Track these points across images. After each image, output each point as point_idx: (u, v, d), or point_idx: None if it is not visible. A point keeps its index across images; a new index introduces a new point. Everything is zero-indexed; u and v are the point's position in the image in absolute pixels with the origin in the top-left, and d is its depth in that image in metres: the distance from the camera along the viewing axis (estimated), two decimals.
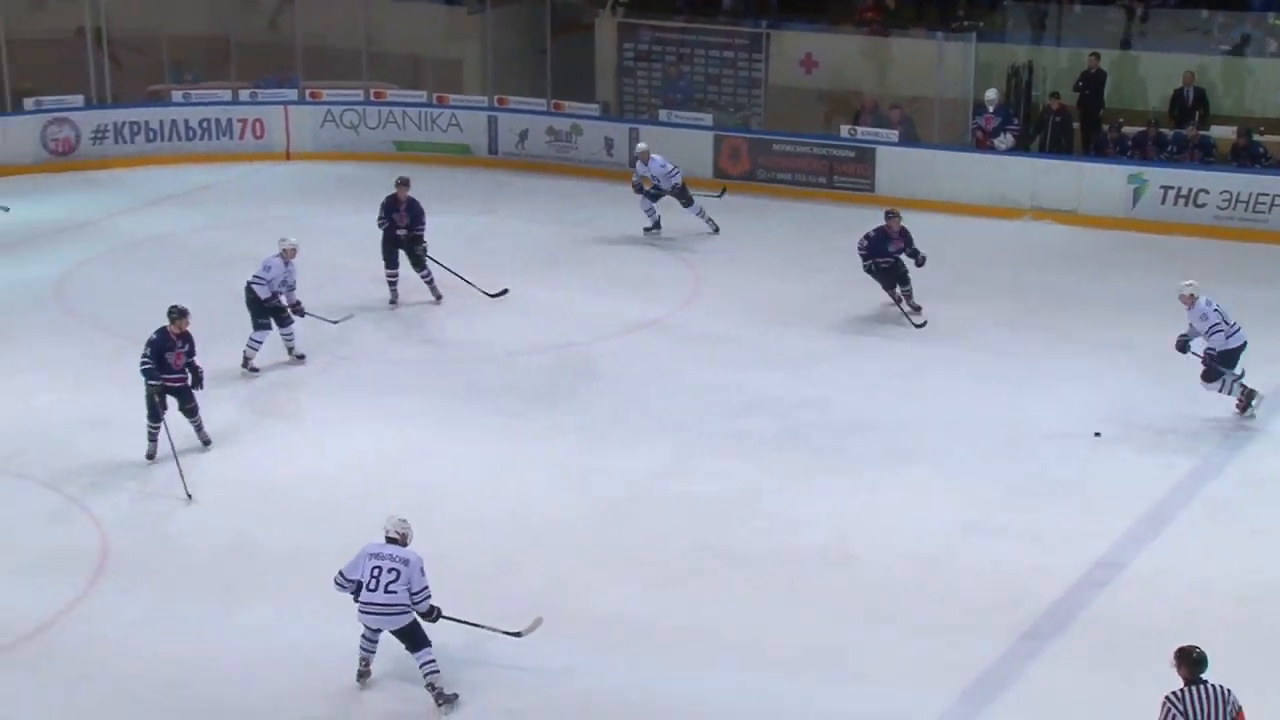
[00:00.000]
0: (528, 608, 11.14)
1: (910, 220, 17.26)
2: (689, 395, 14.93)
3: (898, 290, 16.84)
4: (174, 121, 23.77)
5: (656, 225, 19.95)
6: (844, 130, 22.16)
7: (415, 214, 17.45)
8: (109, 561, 11.87)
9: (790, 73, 23.42)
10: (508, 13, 24.69)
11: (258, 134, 24.07)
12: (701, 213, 19.91)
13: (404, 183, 17.56)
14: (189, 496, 12.82)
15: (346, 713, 10.22)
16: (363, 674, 10.44)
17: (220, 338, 15.27)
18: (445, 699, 10.21)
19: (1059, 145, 21.55)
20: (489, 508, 12.91)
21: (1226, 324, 14.19)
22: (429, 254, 17.44)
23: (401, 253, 17.51)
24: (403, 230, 17.39)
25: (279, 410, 14.94)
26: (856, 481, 13.35)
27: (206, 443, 13.73)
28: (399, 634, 10.23)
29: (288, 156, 24.09)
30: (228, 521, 12.55)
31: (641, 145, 19.99)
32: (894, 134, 21.78)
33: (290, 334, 15.66)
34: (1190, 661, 8.58)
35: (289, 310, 15.57)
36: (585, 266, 19.16)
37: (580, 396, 15.13)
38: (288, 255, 15.46)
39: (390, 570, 10.14)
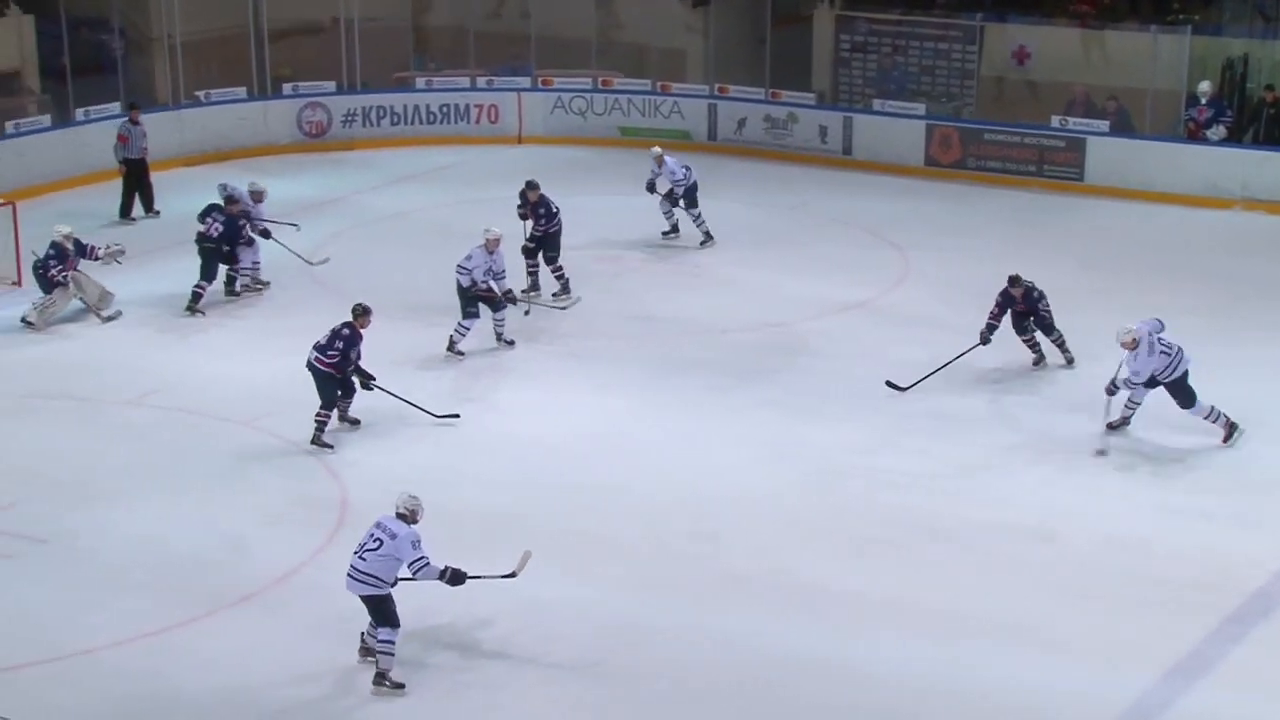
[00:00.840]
0: (729, 575, 11.00)
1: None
2: (897, 374, 14.59)
3: (1036, 338, 14.92)
4: (416, 106, 24.11)
5: (674, 230, 18.71)
6: (1055, 120, 21.50)
7: (548, 213, 17.07)
8: (348, 514, 12.04)
9: (1002, 64, 22.83)
10: (730, 5, 24.51)
11: (492, 119, 24.28)
12: (700, 220, 18.74)
13: (533, 186, 17.29)
14: (441, 416, 13.25)
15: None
16: (365, 651, 10.06)
17: (453, 311, 15.39)
18: (391, 683, 9.81)
19: (1272, 137, 20.58)
20: (696, 477, 12.79)
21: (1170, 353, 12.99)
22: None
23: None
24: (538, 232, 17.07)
25: (494, 380, 14.99)
26: (1064, 463, 12.90)
27: (354, 422, 13.56)
28: (368, 605, 9.88)
29: (519, 140, 24.26)
30: (450, 483, 12.59)
31: (656, 149, 19.09)
32: (1104, 124, 21.07)
33: (501, 320, 15.41)
34: None
35: (501, 298, 15.32)
36: (796, 248, 18.91)
37: (788, 372, 14.91)
38: (491, 245, 15.21)
39: (375, 539, 9.83)
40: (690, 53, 25.09)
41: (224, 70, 23.70)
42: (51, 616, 10.50)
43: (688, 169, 18.81)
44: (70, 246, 16.37)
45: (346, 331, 13.34)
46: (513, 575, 10.26)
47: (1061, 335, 14.83)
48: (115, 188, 19.88)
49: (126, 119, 20.26)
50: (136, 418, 13.78)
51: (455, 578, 9.99)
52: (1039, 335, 14.82)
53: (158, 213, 20.12)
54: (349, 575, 9.88)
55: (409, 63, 24.99)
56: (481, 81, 24.41)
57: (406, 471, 12.63)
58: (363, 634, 10.09)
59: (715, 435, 13.56)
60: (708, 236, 18.70)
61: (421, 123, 24.12)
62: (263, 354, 15.34)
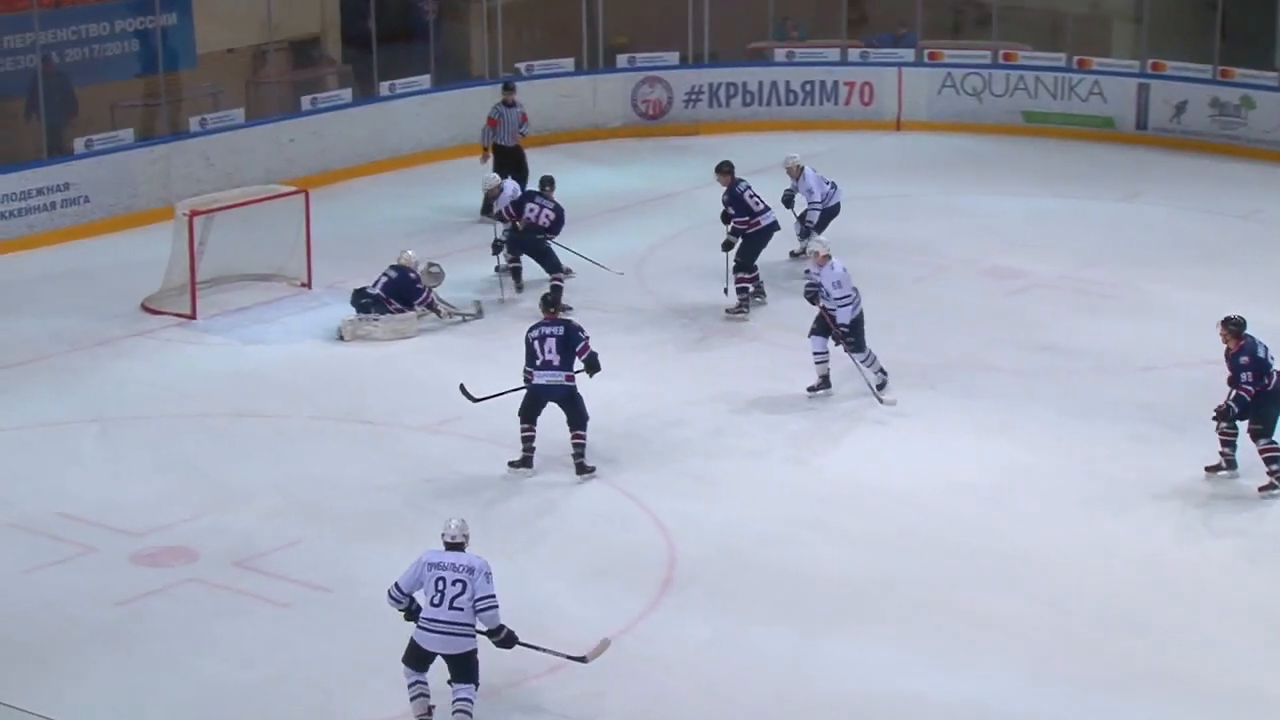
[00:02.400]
0: (1159, 674, 10.60)
1: None
2: None
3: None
4: (774, 83, 24.25)
5: (804, 251, 17.74)
6: None
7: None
8: (676, 574, 12.11)
9: None
10: None
11: (865, 99, 24.22)
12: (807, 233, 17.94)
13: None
14: None
15: None
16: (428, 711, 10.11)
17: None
18: None
19: None
20: (1111, 547, 12.44)
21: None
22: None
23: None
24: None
25: (860, 416, 14.87)
26: None
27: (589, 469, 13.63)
28: (453, 660, 9.92)
29: (898, 126, 24.13)
30: (797, 540, 12.55)
31: (792, 157, 18.37)
32: None
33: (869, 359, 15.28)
34: None
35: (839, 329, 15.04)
36: (1249, 268, 18.19)
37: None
38: (820, 261, 14.96)
39: (455, 582, 9.90)
40: (1116, 20, 24.50)
41: (549, 38, 24.35)
42: (334, 680, 10.83)
43: (833, 186, 18.23)
44: (414, 276, 16.72)
45: (561, 331, 13.56)
46: (583, 660, 10.37)
47: None
48: (422, 176, 20.55)
49: (499, 101, 20.59)
50: (435, 446, 14.18)
51: (508, 639, 10.14)
52: None
53: None
54: (436, 633, 9.95)
55: (767, 30, 25.16)
56: (855, 54, 24.40)
57: (745, 525, 12.68)
58: (418, 699, 10.11)
59: (1137, 498, 13.14)
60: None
61: (779, 103, 24.27)
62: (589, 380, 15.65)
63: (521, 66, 23.61)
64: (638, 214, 20.10)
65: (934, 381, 15.30)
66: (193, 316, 17.04)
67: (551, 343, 13.50)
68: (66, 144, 19.94)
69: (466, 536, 10.21)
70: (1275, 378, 13.15)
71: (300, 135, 21.67)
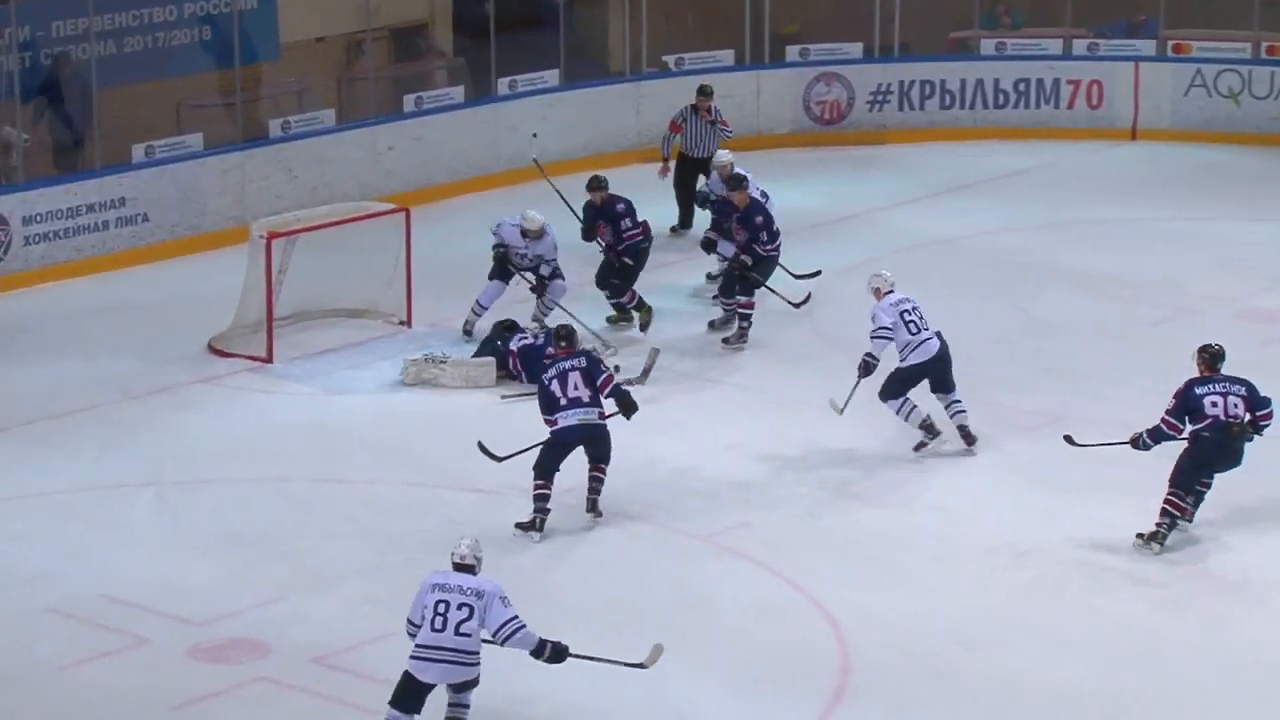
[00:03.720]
0: None
1: None
2: None
3: None
4: (978, 81, 24.21)
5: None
6: None
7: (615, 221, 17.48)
8: (850, 682, 12.09)
9: None
10: None
11: (1093, 102, 24.12)
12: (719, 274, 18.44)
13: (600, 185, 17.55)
14: None
15: None
16: None
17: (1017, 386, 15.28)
18: None
19: None
20: None
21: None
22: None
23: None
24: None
25: (1083, 492, 14.77)
26: None
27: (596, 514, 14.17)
28: (456, 688, 10.70)
29: (1133, 135, 24.02)
30: (1004, 640, 12.46)
31: (723, 156, 18.76)
32: None
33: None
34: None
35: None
36: None
37: None
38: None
39: (461, 606, 10.56)
40: None
41: (703, 26, 24.46)
42: None
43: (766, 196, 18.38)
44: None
45: (584, 363, 14.02)
46: (642, 666, 11.10)
47: None
48: (548, 192, 20.65)
49: (689, 105, 20.65)
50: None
51: (557, 653, 10.84)
52: None
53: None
54: (436, 662, 10.59)
55: (972, 16, 25.10)
56: (1081, 46, 24.30)
57: (936, 619, 12.63)
58: None
59: None
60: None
61: (986, 106, 24.24)
62: (707, 435, 15.72)
63: (670, 60, 23.74)
64: (808, 240, 20.05)
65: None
66: (268, 360, 17.27)
67: (576, 377, 13.90)
68: (87, 159, 20.16)
69: (479, 559, 10.82)
70: None
71: (401, 142, 21.95)
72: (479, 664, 10.68)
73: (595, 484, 14.08)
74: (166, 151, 20.35)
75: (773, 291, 17.88)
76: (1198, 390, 13.59)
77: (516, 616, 10.69)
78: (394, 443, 15.76)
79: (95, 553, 13.71)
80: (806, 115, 24.13)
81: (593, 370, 13.99)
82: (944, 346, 15.07)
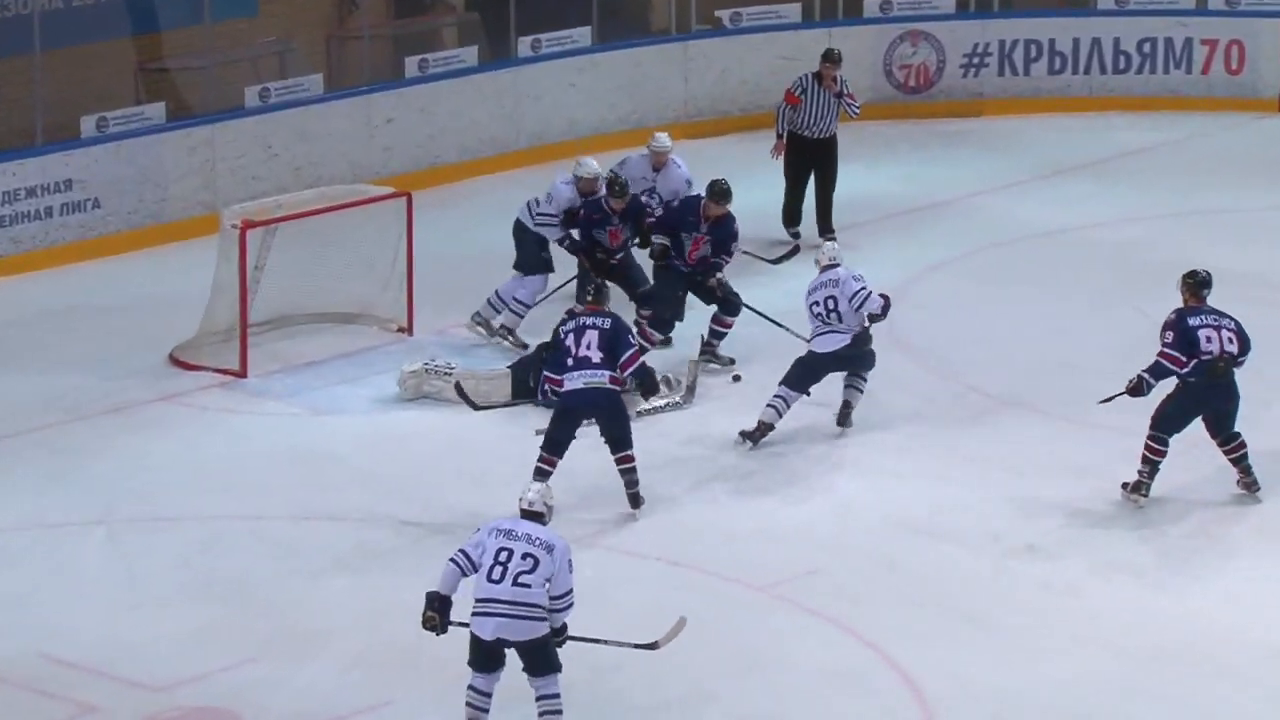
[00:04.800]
0: None
1: None
2: None
3: None
4: (1094, 41, 24.28)
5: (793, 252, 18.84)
6: None
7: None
8: None
9: None
10: None
11: (1232, 66, 24.17)
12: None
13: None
14: None
15: None
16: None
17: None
18: None
19: None
20: None
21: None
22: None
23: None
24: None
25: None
26: None
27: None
28: (525, 650, 11.25)
29: None
30: (1120, 714, 12.44)
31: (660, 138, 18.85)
32: None
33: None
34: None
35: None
36: None
37: None
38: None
39: (526, 556, 11.17)
40: None
41: None
42: None
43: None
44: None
45: (608, 325, 14.42)
46: (653, 646, 11.76)
47: None
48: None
49: (812, 73, 20.56)
50: (587, 562, 13.95)
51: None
52: None
53: (833, 235, 20.10)
54: (494, 616, 11.21)
55: None
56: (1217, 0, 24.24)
57: (1038, 690, 12.62)
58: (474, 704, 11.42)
59: None
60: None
61: (1104, 70, 24.35)
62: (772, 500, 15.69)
63: (724, 16, 23.85)
64: (887, 232, 20.08)
65: None
66: (242, 374, 17.34)
67: (593, 336, 14.37)
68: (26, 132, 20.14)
69: (550, 507, 11.52)
70: None
71: (403, 113, 22.06)
72: (545, 620, 11.27)
73: (627, 475, 14.60)
74: (122, 124, 20.40)
75: (753, 255, 18.43)
76: (1191, 321, 14.47)
77: (573, 590, 11.36)
78: (391, 473, 15.77)
79: (35, 604, 13.71)
80: (888, 82, 24.24)
81: (616, 337, 14.38)
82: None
